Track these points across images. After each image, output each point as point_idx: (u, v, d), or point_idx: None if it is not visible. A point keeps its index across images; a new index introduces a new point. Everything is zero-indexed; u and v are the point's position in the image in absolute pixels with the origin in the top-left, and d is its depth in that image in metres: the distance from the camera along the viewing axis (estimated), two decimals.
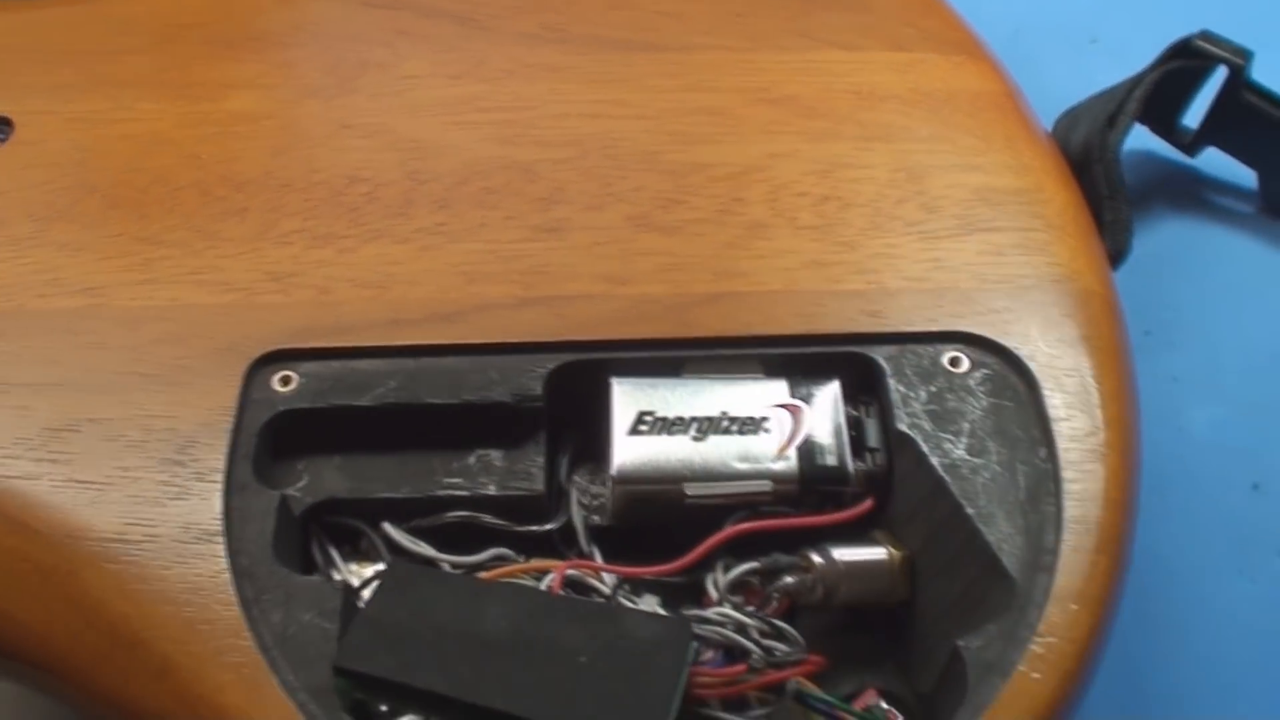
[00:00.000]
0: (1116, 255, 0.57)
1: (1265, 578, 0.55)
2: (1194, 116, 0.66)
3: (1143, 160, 0.68)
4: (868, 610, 0.47)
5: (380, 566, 0.46)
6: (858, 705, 0.44)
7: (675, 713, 0.39)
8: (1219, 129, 0.65)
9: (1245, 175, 0.66)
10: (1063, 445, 0.46)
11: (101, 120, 0.57)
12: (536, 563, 0.45)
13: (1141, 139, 0.67)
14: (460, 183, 0.53)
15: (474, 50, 0.59)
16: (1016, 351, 0.48)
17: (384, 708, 0.42)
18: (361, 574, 0.46)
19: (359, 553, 0.47)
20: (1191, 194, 0.67)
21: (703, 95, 0.57)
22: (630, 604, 0.45)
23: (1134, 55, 0.64)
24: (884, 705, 0.45)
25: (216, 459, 0.45)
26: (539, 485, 0.47)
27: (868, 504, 0.47)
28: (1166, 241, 0.66)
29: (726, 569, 0.45)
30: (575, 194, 0.53)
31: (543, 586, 0.44)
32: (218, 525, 0.44)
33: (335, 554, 0.47)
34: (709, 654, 0.42)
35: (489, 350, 0.48)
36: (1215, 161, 0.67)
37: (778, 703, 0.42)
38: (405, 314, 0.49)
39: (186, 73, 0.59)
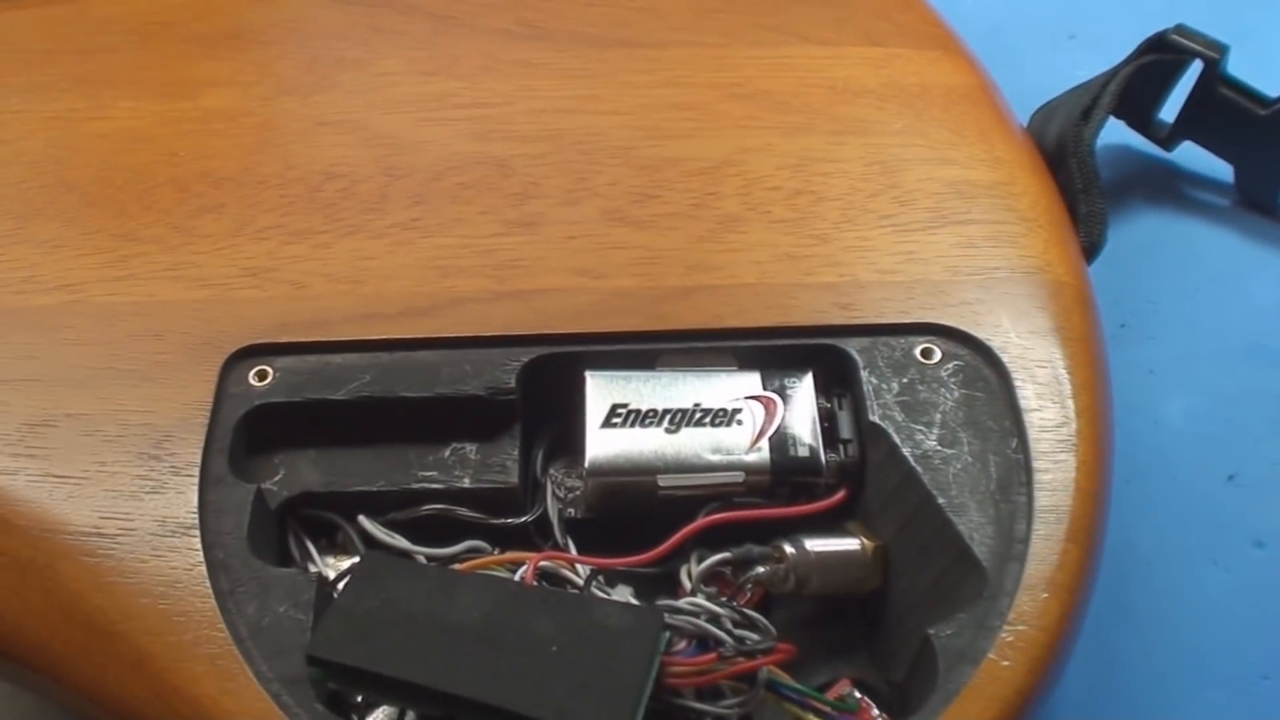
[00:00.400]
0: (1091, 248, 0.57)
1: (1240, 567, 0.56)
2: (1170, 111, 0.66)
3: (1120, 154, 0.68)
4: (841, 600, 0.47)
5: (356, 559, 0.46)
6: (831, 695, 0.44)
7: (645, 701, 0.39)
8: (1195, 123, 0.66)
9: (1221, 168, 0.67)
10: (1034, 436, 0.46)
11: (80, 118, 0.57)
12: (510, 554, 0.46)
13: (1119, 133, 0.67)
14: (435, 178, 0.54)
15: (450, 46, 0.59)
16: (988, 343, 0.49)
17: (359, 697, 0.42)
18: (338, 566, 0.46)
19: (335, 546, 0.47)
20: (1168, 187, 0.68)
21: (677, 90, 0.57)
22: (603, 595, 0.45)
23: (1112, 50, 0.65)
24: (857, 694, 0.45)
25: (193, 453, 0.46)
26: (513, 478, 0.47)
27: (840, 495, 0.47)
28: (1143, 234, 0.66)
29: (699, 559, 0.45)
30: (550, 189, 0.53)
31: (516, 578, 0.45)
32: (193, 519, 0.44)
33: (311, 547, 0.47)
34: (682, 644, 0.42)
35: (463, 344, 0.48)
36: (1191, 155, 0.67)
37: (750, 692, 0.42)
38: (380, 308, 0.49)
39: (164, 71, 0.59)
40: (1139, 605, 0.55)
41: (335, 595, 0.44)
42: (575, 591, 0.45)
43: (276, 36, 0.60)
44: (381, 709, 0.42)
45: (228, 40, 0.60)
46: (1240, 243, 0.66)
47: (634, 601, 0.45)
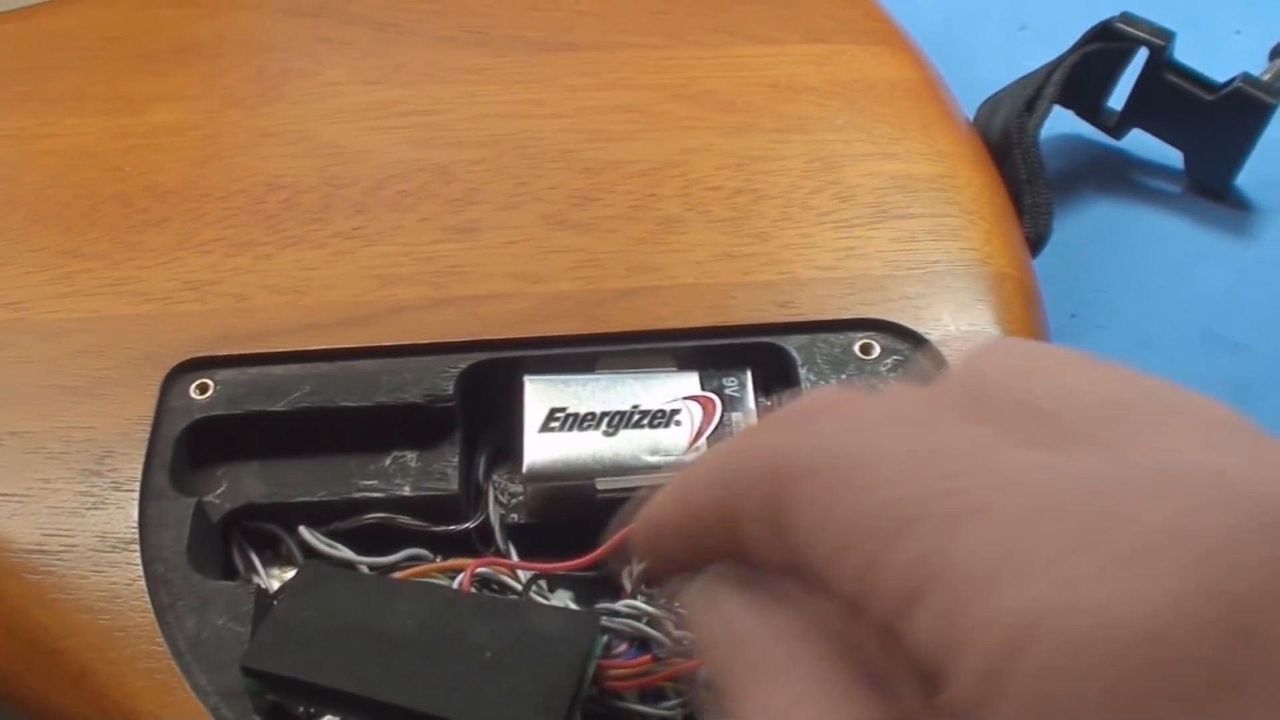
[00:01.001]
0: (1037, 239, 0.57)
1: None
2: (1119, 99, 0.66)
3: (1069, 144, 0.68)
4: None
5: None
6: None
7: (577, 705, 0.39)
8: (1143, 110, 0.66)
9: (1171, 155, 0.67)
10: None
11: (27, 136, 0.57)
12: (449, 562, 0.46)
13: (1068, 122, 0.67)
14: (377, 186, 0.54)
15: (394, 55, 0.59)
16: (928, 336, 0.49)
17: (300, 709, 0.42)
18: (282, 578, 0.46)
19: (280, 557, 0.47)
20: (1119, 175, 0.68)
21: (620, 93, 0.57)
22: (543, 599, 0.45)
23: (1062, 41, 0.65)
24: None
25: (133, 468, 0.46)
26: (454, 485, 0.47)
27: None
28: (1094, 223, 0.66)
29: (640, 561, 0.45)
30: (490, 194, 0.53)
31: (454, 585, 0.45)
32: (133, 534, 0.44)
33: (255, 559, 0.47)
34: (622, 646, 0.43)
35: (402, 352, 0.49)
36: (1141, 143, 0.67)
37: (690, 692, 0.42)
38: (320, 318, 0.50)
39: (112, 87, 0.59)
40: None
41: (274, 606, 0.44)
42: (513, 598, 0.45)
43: (223, 50, 0.61)
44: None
45: (175, 55, 0.61)
46: (1191, 229, 0.66)
47: (572, 606, 0.45)
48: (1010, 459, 0.24)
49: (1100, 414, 0.25)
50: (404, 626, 0.41)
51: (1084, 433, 0.25)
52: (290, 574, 0.46)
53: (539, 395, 0.47)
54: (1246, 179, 0.66)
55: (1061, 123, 0.66)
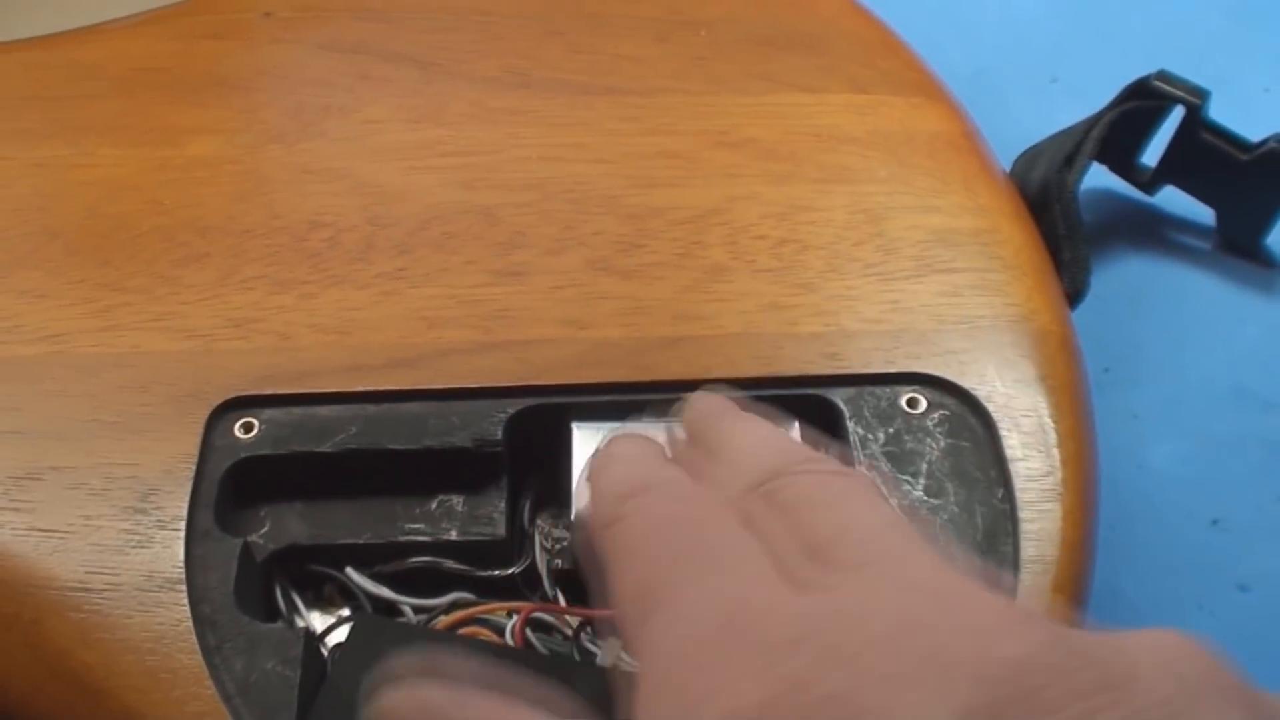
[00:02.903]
0: (1074, 294, 0.57)
1: (1225, 611, 0.56)
2: (1152, 155, 0.66)
3: (1103, 199, 0.69)
4: None
5: (344, 612, 0.46)
6: None
7: None
8: (1177, 167, 0.66)
9: (1203, 213, 0.67)
10: (1020, 485, 0.46)
11: (63, 166, 0.57)
12: (505, 604, 0.46)
13: (1101, 178, 0.67)
14: (421, 227, 0.54)
15: (436, 94, 0.59)
16: (974, 392, 0.49)
17: None
18: (325, 620, 0.46)
19: (323, 598, 0.47)
20: (1151, 232, 0.68)
21: (663, 138, 0.57)
22: (593, 648, 0.45)
23: (1094, 95, 0.65)
24: None
25: (178, 506, 0.46)
26: (500, 530, 0.47)
27: None
28: (1127, 279, 0.66)
29: None
30: (535, 238, 0.53)
31: (508, 627, 0.45)
32: (179, 573, 0.44)
33: (298, 600, 0.47)
34: None
35: (449, 395, 0.48)
36: (1174, 200, 0.67)
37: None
38: (366, 360, 0.49)
39: (149, 118, 0.59)
40: None
41: (323, 648, 0.44)
42: (558, 654, 0.45)
43: (262, 84, 0.60)
44: None
45: (212, 87, 0.60)
46: (1223, 286, 0.66)
47: (624, 656, 0.45)
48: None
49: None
50: None
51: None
52: (332, 615, 0.46)
53: (587, 442, 0.47)
54: (1278, 238, 0.66)
55: (1094, 178, 0.66)
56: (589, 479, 0.37)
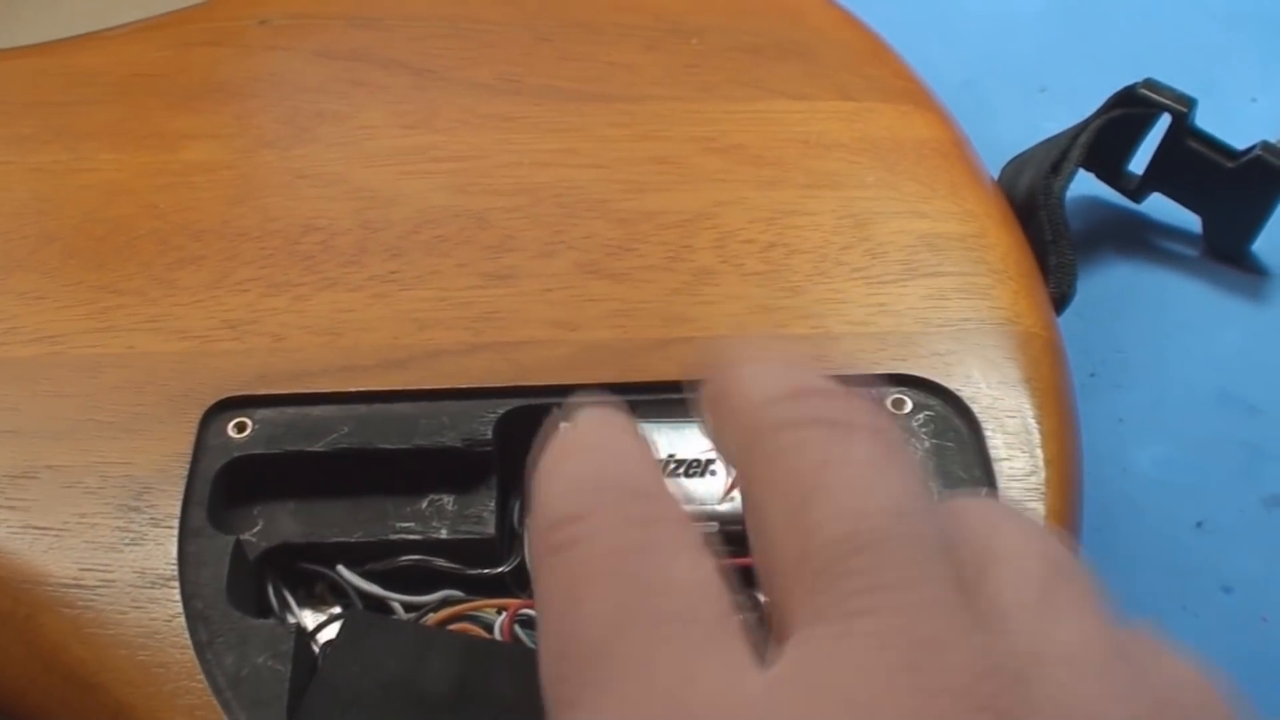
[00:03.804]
0: (1061, 299, 0.58)
1: (1208, 612, 0.56)
2: (1139, 163, 0.67)
3: (1090, 206, 0.69)
4: None
5: (335, 609, 0.47)
6: None
7: None
8: (1163, 175, 0.66)
9: (1189, 219, 0.68)
10: (1003, 485, 0.47)
11: (61, 170, 0.57)
12: (494, 600, 0.46)
13: (1089, 185, 0.68)
14: (413, 231, 0.54)
15: (429, 100, 0.60)
16: (959, 393, 0.49)
17: None
18: (316, 617, 0.47)
19: (314, 596, 0.48)
20: (1138, 238, 0.68)
21: (653, 144, 0.58)
22: None
23: (1082, 103, 0.65)
24: None
25: (172, 505, 0.46)
26: (490, 529, 0.47)
27: None
28: (1113, 284, 0.67)
29: None
30: (526, 241, 0.54)
31: (497, 624, 0.45)
32: (172, 570, 0.45)
33: (290, 597, 0.47)
34: None
35: (440, 396, 0.49)
36: (1160, 207, 0.68)
37: None
38: (358, 360, 0.50)
39: (145, 123, 0.59)
40: None
41: (314, 645, 0.45)
42: None
43: (257, 90, 0.61)
44: None
45: (208, 93, 0.61)
46: (1208, 292, 0.66)
47: None
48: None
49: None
50: (441, 685, 0.41)
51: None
52: (323, 613, 0.47)
53: None
54: (1263, 244, 0.67)
55: (1083, 185, 0.66)
56: (536, 476, 0.30)
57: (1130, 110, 0.64)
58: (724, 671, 0.24)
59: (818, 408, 0.28)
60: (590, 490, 0.28)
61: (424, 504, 0.48)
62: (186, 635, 0.43)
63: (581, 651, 0.25)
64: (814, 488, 0.26)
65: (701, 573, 0.27)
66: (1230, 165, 0.64)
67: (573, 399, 0.31)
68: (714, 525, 0.46)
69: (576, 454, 0.29)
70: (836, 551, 0.25)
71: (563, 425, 0.31)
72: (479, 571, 0.47)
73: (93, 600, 0.44)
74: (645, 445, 0.30)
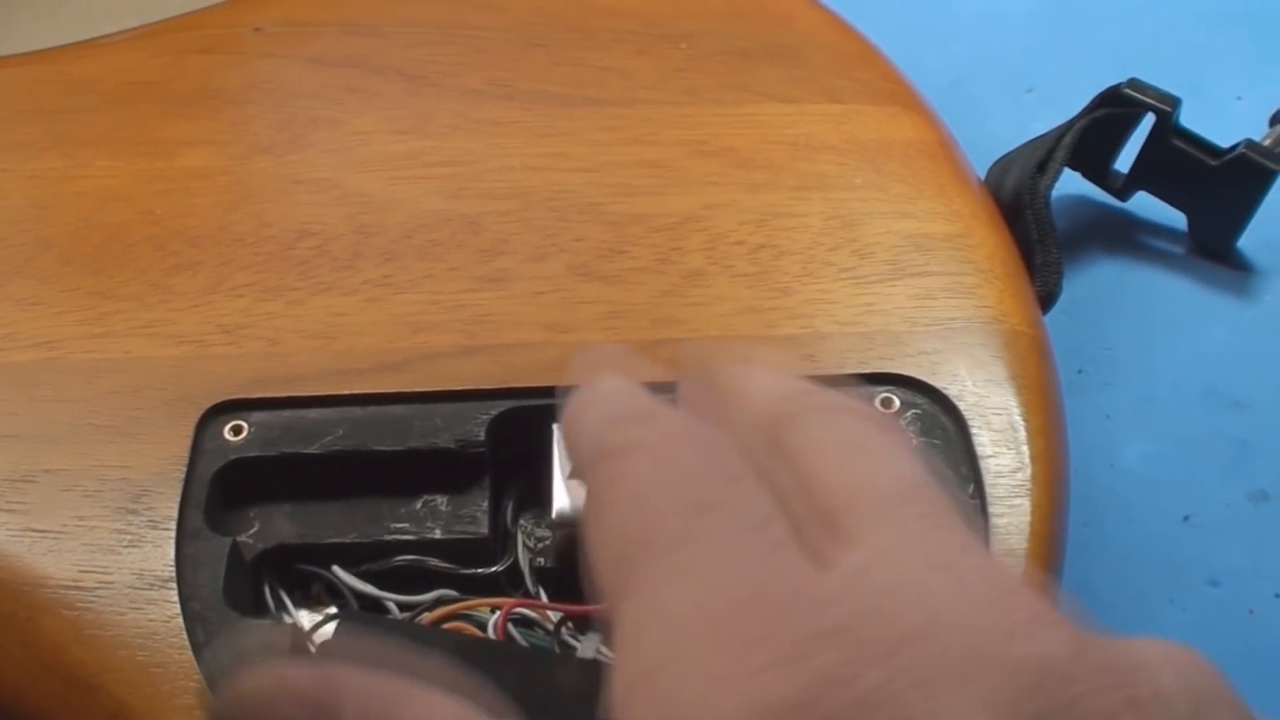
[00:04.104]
0: (1047, 297, 0.59)
1: (1195, 606, 0.57)
2: (1125, 162, 0.68)
3: (1076, 205, 0.70)
4: None
5: (331, 610, 0.47)
6: None
7: None
8: (1149, 173, 0.67)
9: (1175, 217, 0.68)
10: (989, 481, 0.47)
11: (58, 177, 0.58)
12: (488, 600, 0.47)
13: (1075, 184, 0.69)
14: (406, 235, 0.55)
15: (421, 106, 0.60)
16: (945, 391, 0.50)
17: None
18: (313, 617, 0.47)
19: (310, 596, 0.48)
20: (1124, 236, 0.69)
21: (643, 148, 0.58)
22: (573, 641, 0.46)
23: (1068, 103, 0.66)
24: None
25: (169, 507, 0.47)
26: (483, 529, 0.48)
27: None
28: (1100, 283, 0.67)
29: None
30: (518, 245, 0.55)
31: (490, 622, 0.46)
32: (170, 572, 0.45)
33: (286, 598, 0.48)
34: None
35: (434, 398, 0.50)
36: (1146, 205, 0.68)
37: None
38: (352, 364, 0.51)
39: (141, 130, 0.60)
40: None
41: (310, 646, 0.45)
42: (538, 646, 0.46)
43: (252, 97, 0.62)
44: None
45: (204, 100, 0.61)
46: (1194, 289, 0.67)
47: (603, 650, 0.46)
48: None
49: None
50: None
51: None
52: (319, 613, 0.47)
53: None
54: (1248, 241, 0.67)
55: (1069, 184, 0.67)
56: (565, 419, 0.33)
57: (1115, 110, 0.65)
58: (795, 567, 0.27)
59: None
60: (640, 405, 0.32)
61: (418, 505, 0.49)
62: (184, 636, 0.44)
63: (646, 539, 0.27)
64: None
65: (758, 494, 0.29)
66: (1215, 163, 0.64)
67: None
68: None
69: (614, 387, 0.33)
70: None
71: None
72: (473, 571, 0.48)
73: (92, 602, 0.45)
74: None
